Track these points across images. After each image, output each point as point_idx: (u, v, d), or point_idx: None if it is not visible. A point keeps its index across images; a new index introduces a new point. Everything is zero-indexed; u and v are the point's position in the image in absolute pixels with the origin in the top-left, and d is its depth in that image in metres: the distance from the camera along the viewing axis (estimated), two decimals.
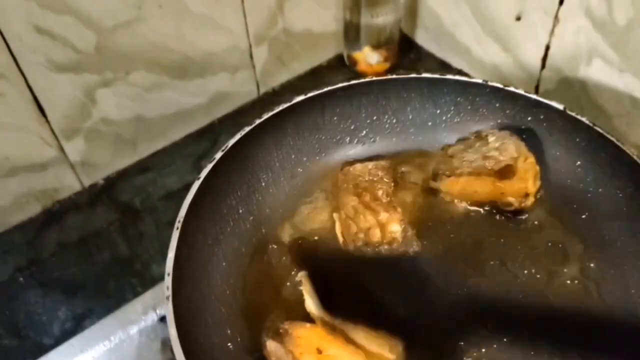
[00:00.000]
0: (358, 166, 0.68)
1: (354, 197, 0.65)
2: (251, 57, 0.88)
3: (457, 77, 0.70)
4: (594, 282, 0.60)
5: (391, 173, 0.68)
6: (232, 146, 0.64)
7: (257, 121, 0.66)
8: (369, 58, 0.94)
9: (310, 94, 0.69)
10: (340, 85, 0.70)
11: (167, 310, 0.51)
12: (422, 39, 0.99)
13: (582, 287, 0.59)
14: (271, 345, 0.51)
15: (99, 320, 0.67)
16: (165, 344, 0.60)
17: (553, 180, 0.66)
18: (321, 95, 0.69)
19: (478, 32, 0.88)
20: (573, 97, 0.79)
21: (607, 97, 0.76)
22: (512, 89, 0.68)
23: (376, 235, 0.62)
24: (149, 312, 0.64)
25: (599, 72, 0.76)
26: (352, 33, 0.92)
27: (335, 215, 0.66)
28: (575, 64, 0.78)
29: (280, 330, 0.52)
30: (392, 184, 0.67)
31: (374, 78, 0.71)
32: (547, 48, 0.80)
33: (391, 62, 0.96)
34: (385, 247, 0.62)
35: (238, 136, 0.65)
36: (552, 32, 0.78)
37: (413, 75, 0.71)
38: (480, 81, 0.69)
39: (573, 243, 0.63)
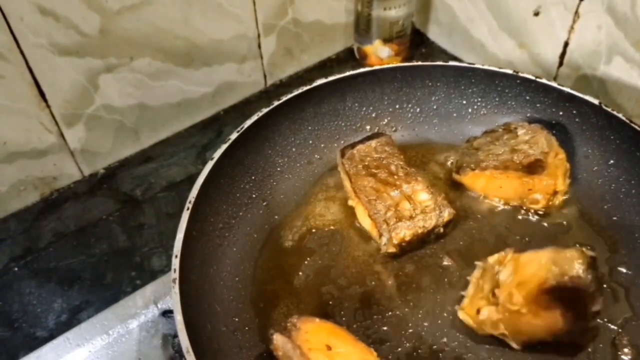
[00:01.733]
0: (361, 147, 0.66)
1: (370, 178, 0.63)
2: (259, 46, 0.85)
3: (487, 67, 0.68)
4: (623, 287, 0.57)
5: (396, 146, 0.66)
6: (247, 128, 0.62)
7: (276, 103, 0.65)
8: (380, 52, 0.92)
9: (331, 78, 0.67)
10: (363, 70, 0.68)
11: (174, 294, 0.49)
12: (435, 33, 0.97)
13: (610, 291, 0.57)
14: (278, 339, 0.49)
15: (96, 313, 0.65)
16: (167, 340, 0.58)
17: (583, 179, 0.64)
18: (343, 79, 0.67)
19: (493, 27, 0.85)
20: (591, 95, 0.76)
21: (627, 96, 0.74)
22: (544, 81, 0.66)
23: (406, 208, 0.61)
24: (150, 306, 0.61)
25: (619, 71, 0.73)
26: (363, 26, 0.90)
27: (352, 202, 0.64)
28: (594, 62, 0.75)
29: (289, 325, 0.50)
30: (402, 156, 0.65)
31: (399, 65, 0.70)
32: (566, 44, 0.77)
33: (402, 57, 0.93)
34: (420, 217, 0.60)
35: (255, 117, 0.63)
36: (571, 28, 0.76)
37: (440, 63, 0.69)
38: (510, 72, 0.67)
39: (602, 245, 0.60)
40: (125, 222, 0.75)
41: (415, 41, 0.95)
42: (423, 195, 0.62)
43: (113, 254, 0.72)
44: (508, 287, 0.51)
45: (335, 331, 0.50)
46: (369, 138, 0.66)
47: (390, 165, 0.64)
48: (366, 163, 0.65)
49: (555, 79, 0.81)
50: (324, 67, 0.94)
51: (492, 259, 0.56)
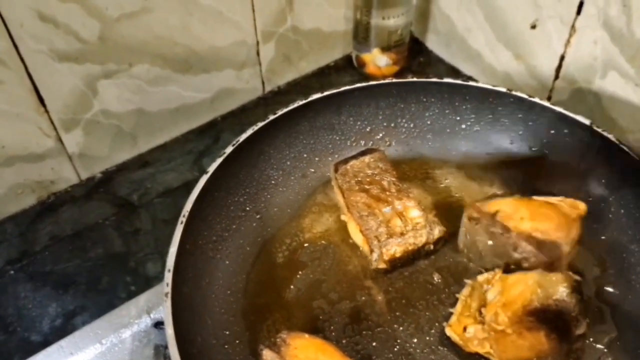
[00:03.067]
0: (355, 162, 0.67)
1: (362, 194, 0.64)
2: (258, 53, 0.86)
3: (481, 85, 0.69)
4: (609, 306, 0.58)
5: (389, 162, 0.67)
6: (243, 141, 0.62)
7: (271, 117, 0.65)
8: (378, 60, 0.92)
9: (327, 92, 0.67)
10: (358, 85, 0.68)
11: (165, 307, 0.49)
12: (433, 43, 0.97)
13: (597, 310, 0.57)
14: (267, 355, 0.49)
15: (90, 318, 0.65)
16: (159, 350, 0.58)
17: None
18: (338, 94, 0.68)
19: (491, 38, 0.86)
20: (586, 109, 0.77)
21: (621, 111, 0.74)
22: (537, 100, 0.66)
23: (398, 224, 0.61)
24: (143, 316, 0.62)
25: (614, 86, 0.74)
26: (362, 34, 0.90)
27: (345, 217, 0.65)
28: (590, 76, 0.76)
29: (278, 340, 0.50)
30: (395, 172, 0.66)
31: (394, 80, 0.70)
32: (562, 58, 0.78)
33: (400, 66, 0.94)
34: (411, 234, 0.60)
35: (250, 131, 0.63)
36: (567, 42, 0.76)
37: (434, 79, 0.69)
38: (504, 90, 0.67)
39: (591, 265, 0.61)
40: (121, 226, 0.76)
41: (413, 50, 0.96)
42: (414, 212, 0.62)
43: (109, 258, 0.73)
44: (494, 307, 0.52)
45: (324, 347, 0.51)
46: (362, 153, 0.67)
47: (382, 181, 0.65)
48: (359, 179, 0.65)
49: (551, 91, 0.82)
50: (322, 74, 0.94)
51: (481, 278, 0.56)
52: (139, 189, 0.80)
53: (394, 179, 0.65)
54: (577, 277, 0.53)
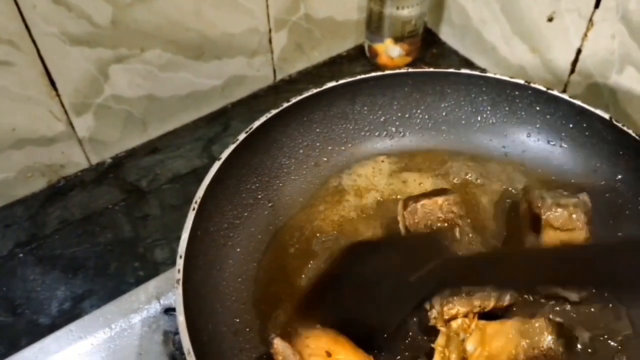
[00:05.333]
0: (426, 202, 0.60)
1: None
2: (270, 41, 0.85)
3: (498, 76, 0.67)
4: (625, 304, 0.57)
5: (464, 207, 0.61)
6: (256, 129, 0.62)
7: (285, 105, 0.64)
8: (391, 51, 0.91)
9: (341, 81, 0.66)
10: (373, 74, 0.67)
11: (177, 294, 0.49)
12: (446, 34, 0.97)
13: (612, 307, 0.57)
14: (278, 343, 0.49)
15: (98, 302, 0.66)
16: (167, 336, 0.58)
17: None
18: (353, 83, 0.67)
19: (506, 30, 0.85)
20: (601, 103, 0.76)
21: (637, 106, 0.73)
22: (556, 92, 0.65)
23: None
24: (152, 302, 0.62)
25: (631, 81, 0.73)
26: (375, 24, 0.89)
27: None
28: (606, 71, 0.75)
29: (290, 329, 0.50)
30: (469, 220, 0.60)
31: (410, 70, 0.69)
32: (579, 52, 0.77)
33: (413, 57, 0.93)
34: (478, 295, 0.54)
35: (263, 119, 0.63)
36: (585, 36, 0.75)
37: (451, 70, 0.68)
38: (522, 82, 0.66)
39: None
40: (130, 212, 0.76)
41: (426, 41, 0.95)
42: None
43: (117, 243, 0.73)
44: None
45: (336, 338, 0.50)
46: (436, 193, 0.61)
47: (454, 228, 0.59)
48: (428, 222, 0.59)
49: (566, 85, 0.81)
50: (334, 63, 0.93)
51: (455, 324, 0.53)
52: (148, 175, 0.80)
53: (467, 229, 0.59)
54: (559, 320, 0.51)
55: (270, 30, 0.84)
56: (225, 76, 0.85)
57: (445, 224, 0.58)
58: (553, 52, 0.80)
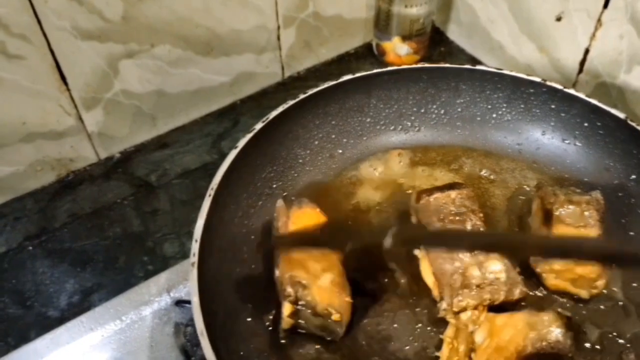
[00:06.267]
0: (439, 195, 0.60)
1: None
2: (278, 38, 0.85)
3: (514, 74, 0.68)
4: (634, 302, 0.57)
5: (477, 202, 0.61)
6: (272, 119, 0.62)
7: (302, 96, 0.65)
8: (399, 49, 0.91)
9: (358, 74, 0.67)
10: (389, 68, 0.68)
11: (192, 277, 0.50)
12: (454, 33, 0.97)
13: (622, 304, 0.57)
14: (280, 204, 0.54)
15: (107, 296, 0.66)
16: (179, 328, 0.59)
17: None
18: (369, 76, 0.67)
19: (514, 30, 0.85)
20: (609, 103, 0.76)
21: None
22: (571, 91, 0.66)
23: (475, 274, 0.55)
24: (163, 294, 0.62)
25: (639, 80, 0.73)
26: (383, 22, 0.90)
27: (418, 252, 0.60)
28: (614, 70, 0.75)
29: (296, 199, 0.56)
30: (481, 214, 0.60)
31: (425, 65, 0.69)
32: (587, 51, 0.77)
33: (421, 55, 0.93)
34: (488, 289, 0.54)
35: (280, 109, 0.63)
36: (593, 36, 0.75)
37: (467, 66, 0.69)
38: (538, 80, 0.67)
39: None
40: (139, 206, 0.76)
41: (434, 39, 0.95)
42: (495, 266, 0.55)
43: (126, 237, 0.73)
44: (485, 353, 0.50)
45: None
46: (449, 187, 0.61)
47: (466, 222, 0.59)
48: (441, 216, 0.59)
49: (574, 85, 0.81)
50: (342, 61, 0.94)
51: (464, 316, 0.53)
52: (157, 169, 0.80)
53: (479, 223, 0.59)
54: (568, 314, 0.52)
55: (278, 28, 0.84)
56: (234, 72, 0.85)
57: (457, 218, 0.59)
58: (561, 51, 0.80)
